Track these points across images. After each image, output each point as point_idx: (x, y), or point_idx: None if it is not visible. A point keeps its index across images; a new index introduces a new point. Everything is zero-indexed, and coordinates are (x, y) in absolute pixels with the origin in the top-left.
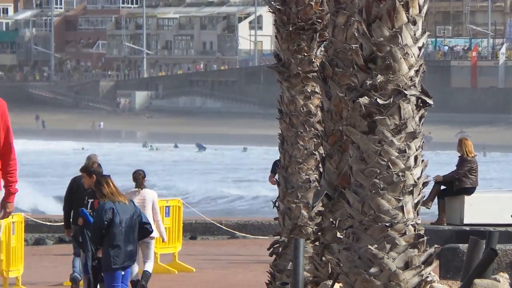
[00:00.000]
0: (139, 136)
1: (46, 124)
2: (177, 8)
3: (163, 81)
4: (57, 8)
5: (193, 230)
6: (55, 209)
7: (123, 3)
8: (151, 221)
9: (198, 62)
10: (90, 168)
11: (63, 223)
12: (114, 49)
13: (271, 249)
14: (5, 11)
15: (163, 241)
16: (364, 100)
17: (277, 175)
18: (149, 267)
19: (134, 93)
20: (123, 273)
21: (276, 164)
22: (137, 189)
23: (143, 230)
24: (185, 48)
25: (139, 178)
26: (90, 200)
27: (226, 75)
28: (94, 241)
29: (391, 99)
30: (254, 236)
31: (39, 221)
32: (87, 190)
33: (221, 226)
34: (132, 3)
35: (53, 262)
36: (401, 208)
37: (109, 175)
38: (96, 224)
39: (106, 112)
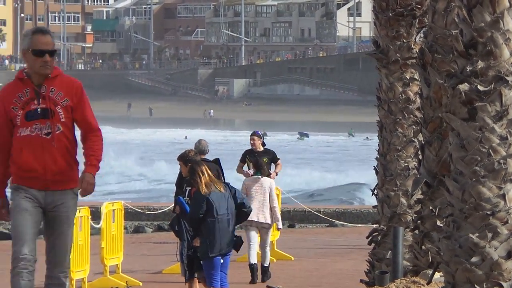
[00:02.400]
0: (237, 123)
1: (153, 112)
2: None
3: (261, 69)
4: None
5: (291, 218)
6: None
7: None
8: (267, 209)
9: (296, 49)
10: (186, 156)
11: (162, 211)
12: (212, 37)
13: (370, 237)
14: (106, 0)
15: (277, 228)
16: (464, 86)
17: (246, 167)
18: (267, 260)
19: (233, 80)
20: (222, 261)
21: (245, 154)
22: (257, 176)
23: (241, 213)
24: (283, 35)
25: (261, 165)
26: (188, 188)
27: (325, 62)
28: (191, 231)
29: (492, 86)
30: (353, 224)
31: (138, 209)
32: (185, 178)
33: (319, 214)
34: None
35: (152, 250)
36: (503, 196)
37: (218, 159)
38: (192, 216)
39: (205, 100)
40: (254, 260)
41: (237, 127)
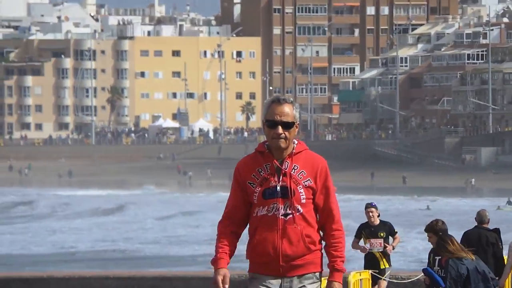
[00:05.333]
0: (485, 192)
1: (407, 181)
2: None
3: (509, 137)
4: (402, 66)
5: None
6: None
7: (468, 59)
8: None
9: None
10: (435, 226)
11: (410, 281)
12: (459, 105)
13: None
14: (352, 70)
15: None
16: None
17: (362, 241)
18: None
19: (480, 149)
20: None
21: (361, 228)
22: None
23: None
24: None
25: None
26: (437, 258)
27: None
28: None
29: None
30: None
31: (392, 280)
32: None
33: None
34: (477, 59)
35: None
36: None
37: (498, 229)
38: (454, 280)
39: (451, 168)
40: None
41: (486, 195)
